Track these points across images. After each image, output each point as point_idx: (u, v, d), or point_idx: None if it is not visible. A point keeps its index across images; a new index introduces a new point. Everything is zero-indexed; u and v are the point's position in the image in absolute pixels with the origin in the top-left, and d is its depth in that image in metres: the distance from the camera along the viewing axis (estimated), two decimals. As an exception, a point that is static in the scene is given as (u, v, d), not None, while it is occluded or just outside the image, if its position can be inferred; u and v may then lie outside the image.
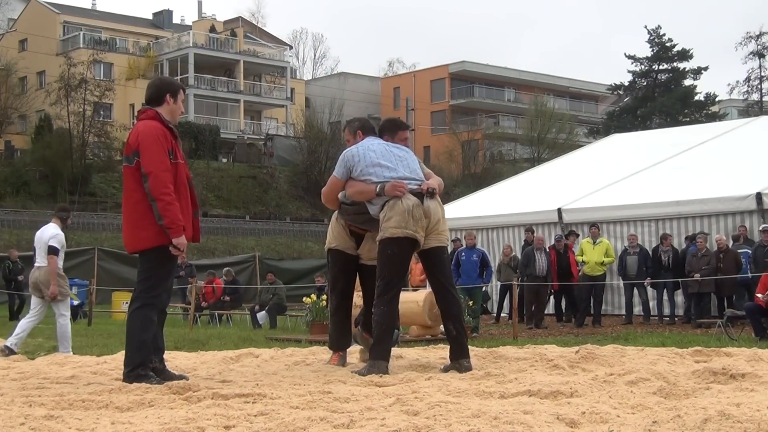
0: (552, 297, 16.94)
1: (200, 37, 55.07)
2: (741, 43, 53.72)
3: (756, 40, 52.86)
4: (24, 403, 4.77)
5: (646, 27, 53.45)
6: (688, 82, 53.20)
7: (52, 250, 9.63)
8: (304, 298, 14.09)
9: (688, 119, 49.30)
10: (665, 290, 15.55)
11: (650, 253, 15.55)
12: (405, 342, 10.96)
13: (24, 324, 9.82)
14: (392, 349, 6.64)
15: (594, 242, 15.69)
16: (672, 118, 48.80)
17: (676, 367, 6.22)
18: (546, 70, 75.62)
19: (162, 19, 60.61)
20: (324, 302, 12.46)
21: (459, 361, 6.34)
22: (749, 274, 13.54)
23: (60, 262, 9.77)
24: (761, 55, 53.20)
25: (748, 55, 53.38)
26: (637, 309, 15.95)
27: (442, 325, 7.51)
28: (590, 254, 15.59)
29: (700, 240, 14.55)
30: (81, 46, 50.37)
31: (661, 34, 52.83)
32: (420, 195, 6.41)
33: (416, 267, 15.80)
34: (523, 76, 62.87)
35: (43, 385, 5.76)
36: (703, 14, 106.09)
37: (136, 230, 5.85)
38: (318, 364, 7.01)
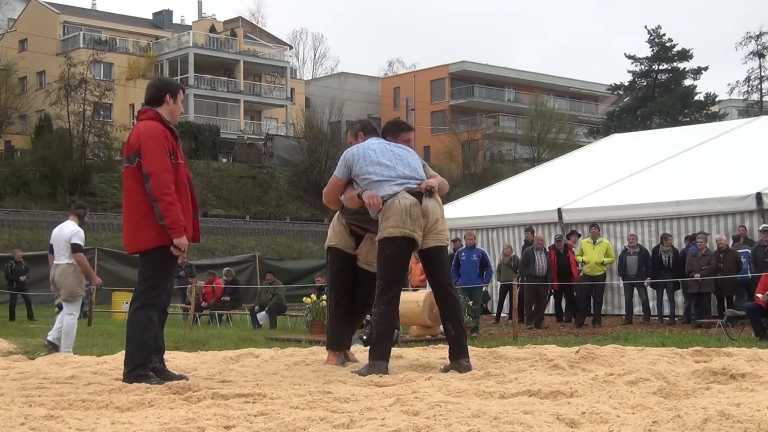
0: (552, 297, 16.94)
1: (200, 37, 55.04)
2: (741, 43, 53.84)
3: (756, 40, 52.91)
4: (24, 403, 4.77)
5: (646, 27, 53.57)
6: (688, 82, 53.21)
7: (77, 248, 9.72)
8: (304, 298, 14.08)
9: (688, 119, 49.27)
10: (665, 290, 15.56)
11: (650, 253, 15.55)
12: (405, 342, 10.97)
13: (62, 318, 10.01)
14: (392, 349, 6.64)
15: (594, 242, 15.69)
16: (672, 118, 48.79)
17: (676, 367, 6.22)
18: (546, 70, 75.85)
19: (162, 19, 60.58)
20: (324, 302, 12.45)
21: (459, 361, 6.34)
22: (749, 274, 13.54)
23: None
24: (761, 55, 53.18)
25: (748, 55, 53.47)
26: (637, 309, 15.95)
27: (441, 325, 7.51)
28: (590, 254, 15.59)
29: (700, 240, 14.55)
30: (81, 46, 50.35)
31: (661, 34, 52.83)
32: (419, 194, 6.41)
33: (416, 267, 15.80)
34: (523, 76, 62.85)
35: (43, 385, 5.75)
36: (703, 14, 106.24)
37: (137, 231, 5.85)
38: (318, 364, 7.01)
